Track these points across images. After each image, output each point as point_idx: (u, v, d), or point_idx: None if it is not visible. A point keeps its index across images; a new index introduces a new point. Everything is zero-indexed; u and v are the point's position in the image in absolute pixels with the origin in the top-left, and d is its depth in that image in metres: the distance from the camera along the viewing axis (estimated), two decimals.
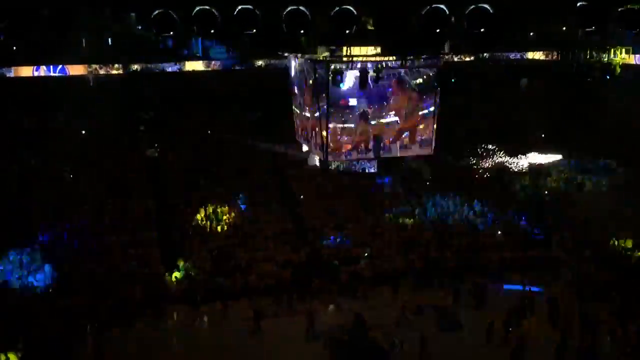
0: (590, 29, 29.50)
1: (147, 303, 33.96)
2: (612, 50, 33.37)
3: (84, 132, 45.90)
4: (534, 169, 47.01)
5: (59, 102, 46.33)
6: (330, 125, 29.62)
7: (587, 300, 33.88)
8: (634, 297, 33.05)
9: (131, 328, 32.31)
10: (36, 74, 42.42)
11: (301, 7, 20.49)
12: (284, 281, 36.47)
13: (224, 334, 32.14)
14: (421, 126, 30.88)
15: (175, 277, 35.72)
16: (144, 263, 36.89)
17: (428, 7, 20.92)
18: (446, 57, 30.20)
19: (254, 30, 21.22)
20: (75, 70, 43.83)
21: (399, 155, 32.38)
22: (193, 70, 45.45)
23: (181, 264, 36.26)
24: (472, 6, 21.03)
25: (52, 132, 44.87)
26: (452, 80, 30.27)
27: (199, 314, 33.75)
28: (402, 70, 29.52)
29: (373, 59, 29.32)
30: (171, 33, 20.68)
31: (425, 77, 30.10)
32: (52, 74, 42.25)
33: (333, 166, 42.74)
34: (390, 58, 29.11)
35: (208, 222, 40.35)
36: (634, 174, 42.37)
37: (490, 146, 48.00)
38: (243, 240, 39.50)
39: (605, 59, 30.71)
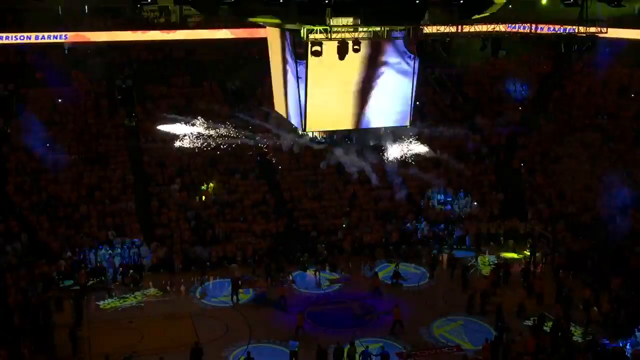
0: (570, 2, 29.67)
1: (125, 271, 34.14)
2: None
3: (60, 100, 45.29)
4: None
5: (35, 70, 45.74)
6: (309, 96, 29.53)
7: (562, 270, 34.50)
8: (606, 267, 33.65)
9: (109, 294, 32.67)
10: (11, 41, 41.58)
11: None
12: (261, 251, 36.72)
13: (201, 303, 32.39)
14: (399, 97, 30.85)
15: None
16: (122, 232, 36.85)
17: None
18: (426, 28, 30.02)
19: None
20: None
21: (377, 126, 32.42)
22: (172, 40, 44.82)
23: None
24: None
25: (28, 100, 44.30)
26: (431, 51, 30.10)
27: (176, 283, 33.97)
28: (382, 41, 29.43)
29: (352, 29, 29.19)
30: (148, 1, 20.40)
31: (404, 48, 30.05)
32: (26, 41, 41.43)
33: (311, 137, 42.68)
34: (370, 29, 28.99)
35: (186, 192, 40.31)
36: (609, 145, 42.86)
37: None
38: (221, 210, 39.51)
39: (584, 32, 30.82)
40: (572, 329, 28.95)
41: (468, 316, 30.77)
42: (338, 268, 36.06)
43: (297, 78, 29.48)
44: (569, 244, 36.76)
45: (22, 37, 40.79)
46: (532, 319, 29.70)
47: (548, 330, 28.73)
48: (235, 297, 32.33)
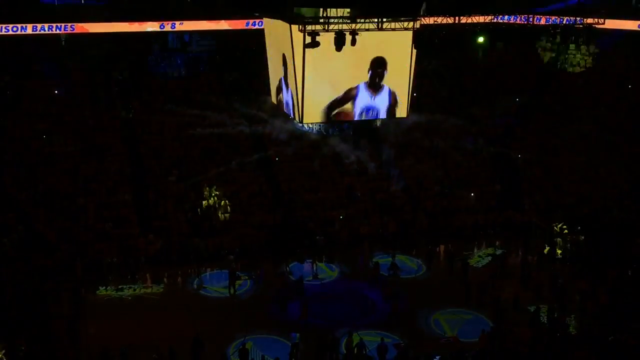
0: None
1: (123, 263, 34.11)
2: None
3: (56, 92, 45.24)
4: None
5: (32, 61, 45.66)
6: (306, 88, 29.49)
7: (558, 262, 34.54)
8: (604, 259, 33.68)
9: (106, 287, 32.63)
10: (7, 32, 41.43)
11: None
12: (259, 243, 36.70)
13: (199, 295, 32.38)
14: (397, 89, 30.82)
15: None
16: (119, 224, 36.80)
17: None
18: (423, 19, 29.99)
19: None
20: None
21: (374, 117, 32.35)
22: (169, 31, 44.72)
23: None
24: None
25: (25, 92, 44.24)
26: (429, 43, 30.07)
27: (173, 275, 33.95)
28: (379, 32, 29.36)
29: (349, 20, 29.11)
30: None
31: (401, 39, 29.99)
32: (22, 32, 41.30)
33: (308, 128, 42.63)
34: (367, 20, 28.91)
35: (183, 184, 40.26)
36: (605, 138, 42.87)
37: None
38: (218, 202, 39.44)
39: (581, 23, 30.85)
40: (569, 320, 29.00)
41: (466, 308, 30.76)
42: (335, 260, 36.10)
43: (294, 69, 29.44)
44: (565, 235, 36.78)
45: (15, 29, 40.73)
46: (528, 310, 29.73)
47: (544, 322, 28.79)
48: (232, 289, 32.33)
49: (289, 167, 43.04)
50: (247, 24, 43.85)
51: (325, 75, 29.58)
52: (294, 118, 31.18)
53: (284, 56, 30.43)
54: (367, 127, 38.93)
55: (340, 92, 30.18)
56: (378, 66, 30.28)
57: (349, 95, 30.44)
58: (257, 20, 42.47)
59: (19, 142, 40.70)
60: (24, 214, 36.34)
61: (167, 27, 44.04)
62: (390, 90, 30.89)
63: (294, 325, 28.22)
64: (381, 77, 30.62)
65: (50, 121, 42.64)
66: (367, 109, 30.73)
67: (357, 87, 30.28)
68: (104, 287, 32.48)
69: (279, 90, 33.53)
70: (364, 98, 30.77)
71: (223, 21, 44.15)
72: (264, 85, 38.74)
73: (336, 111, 30.60)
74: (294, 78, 29.71)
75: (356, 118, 31.27)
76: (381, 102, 30.89)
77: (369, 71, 30.22)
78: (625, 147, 41.65)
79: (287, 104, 31.74)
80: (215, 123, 43.88)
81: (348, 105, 30.63)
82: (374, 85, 30.56)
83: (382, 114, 31.67)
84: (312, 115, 30.47)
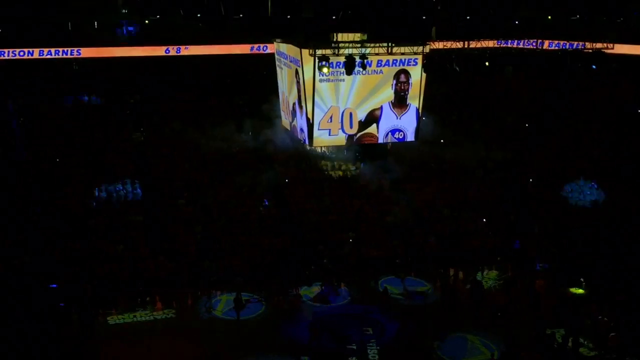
0: (576, 17, 29.80)
1: (132, 285, 34.09)
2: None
3: (69, 115, 45.59)
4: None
5: (45, 84, 46.12)
6: (316, 111, 29.65)
7: (567, 286, 34.37)
8: (612, 283, 33.51)
9: (116, 310, 32.54)
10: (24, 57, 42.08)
11: None
12: (268, 266, 36.63)
13: (206, 318, 32.31)
14: (406, 113, 30.99)
15: None
16: (129, 246, 36.86)
17: None
18: (432, 44, 30.20)
19: (241, 15, 21.21)
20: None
21: (383, 142, 32.42)
22: (180, 55, 45.14)
23: None
24: None
25: (37, 115, 44.64)
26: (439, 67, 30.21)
27: (183, 297, 33.87)
28: (389, 57, 29.56)
29: (359, 45, 29.36)
30: (157, 17, 20.58)
31: (411, 63, 30.18)
32: (36, 56, 41.91)
33: (319, 150, 42.84)
34: (377, 44, 29.16)
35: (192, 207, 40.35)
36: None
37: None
38: (227, 224, 39.50)
39: (590, 48, 31.01)
40: (582, 341, 28.83)
41: (476, 332, 30.57)
42: (343, 283, 35.98)
43: (304, 94, 29.65)
44: (572, 260, 36.63)
45: (22, 53, 41.35)
46: (539, 333, 29.55)
47: (556, 346, 28.59)
48: (239, 312, 32.17)
49: (298, 189, 43.06)
50: (252, 48, 44.13)
51: (342, 97, 29.74)
52: (308, 143, 31.21)
53: (297, 80, 30.67)
54: (377, 150, 39.02)
55: (362, 115, 30.17)
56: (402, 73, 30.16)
57: (373, 117, 30.44)
58: (262, 45, 42.78)
59: (31, 164, 40.97)
60: (35, 235, 36.50)
61: (173, 52, 44.43)
62: (417, 109, 30.83)
63: (304, 350, 28.09)
64: (406, 89, 30.49)
65: (62, 144, 42.94)
66: (393, 131, 30.69)
67: (380, 108, 30.35)
68: (114, 310, 32.51)
69: (288, 114, 33.72)
70: (388, 119, 30.67)
71: (230, 45, 44.44)
72: (274, 109, 39.06)
73: (359, 134, 30.66)
74: (304, 102, 29.93)
75: (381, 140, 31.22)
76: (408, 123, 30.82)
77: (392, 85, 30.11)
78: (635, 170, 41.53)
79: (301, 129, 31.81)
80: (225, 145, 44.15)
81: (372, 128, 30.62)
82: (400, 102, 30.45)
83: (410, 137, 31.51)
84: (322, 139, 30.58)
